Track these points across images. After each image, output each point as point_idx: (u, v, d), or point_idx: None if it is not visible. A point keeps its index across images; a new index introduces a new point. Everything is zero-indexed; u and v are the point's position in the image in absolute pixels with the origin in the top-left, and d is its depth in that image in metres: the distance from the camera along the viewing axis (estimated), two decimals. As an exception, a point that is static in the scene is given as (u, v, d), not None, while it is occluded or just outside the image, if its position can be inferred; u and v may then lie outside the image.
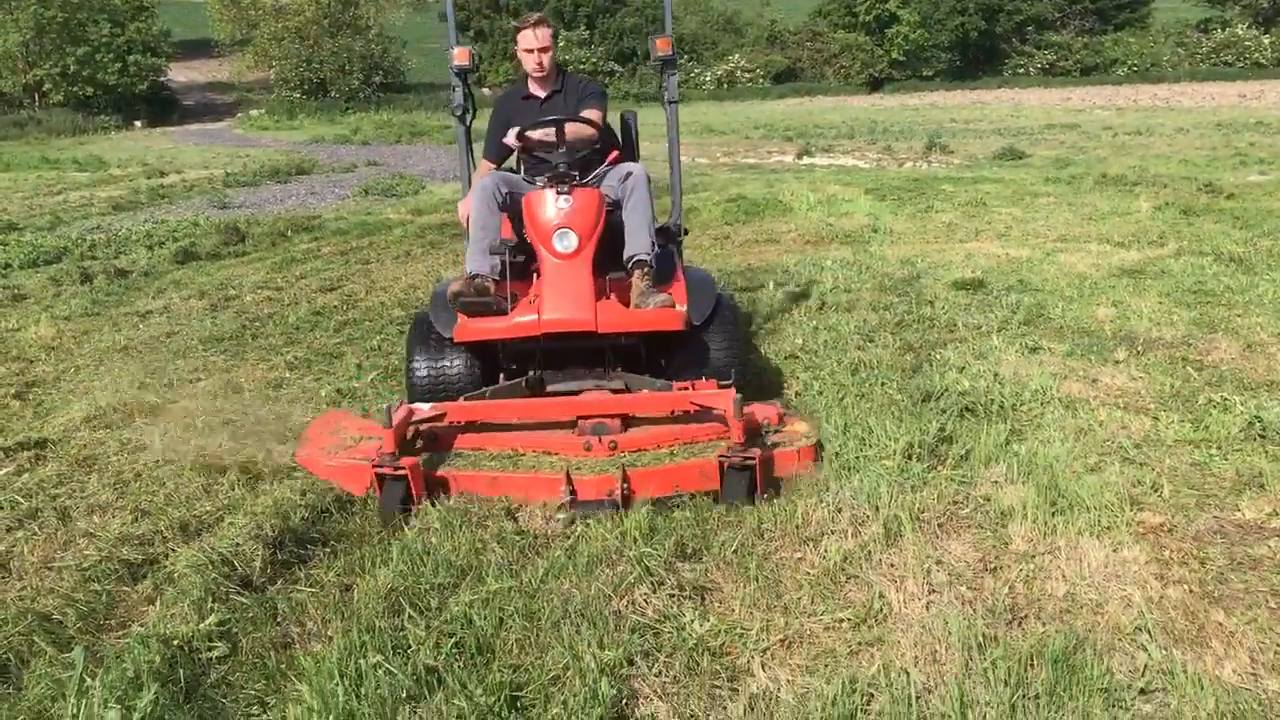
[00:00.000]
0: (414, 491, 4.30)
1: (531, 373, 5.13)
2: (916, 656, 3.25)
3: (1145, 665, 3.19)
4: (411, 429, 4.72)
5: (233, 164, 24.13)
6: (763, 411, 4.80)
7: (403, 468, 4.27)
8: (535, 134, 5.35)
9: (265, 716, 3.08)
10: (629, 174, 5.19)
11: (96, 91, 45.62)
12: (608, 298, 4.96)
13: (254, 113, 48.91)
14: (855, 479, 4.48)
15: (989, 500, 4.29)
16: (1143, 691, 3.07)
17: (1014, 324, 7.06)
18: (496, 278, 4.99)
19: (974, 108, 41.41)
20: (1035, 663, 3.17)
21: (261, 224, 13.36)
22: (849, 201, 13.42)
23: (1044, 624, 3.42)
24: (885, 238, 10.98)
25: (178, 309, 8.69)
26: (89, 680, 3.08)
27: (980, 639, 3.29)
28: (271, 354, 7.21)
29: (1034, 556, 3.85)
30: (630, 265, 5.09)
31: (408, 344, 5.46)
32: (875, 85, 62.14)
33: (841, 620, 3.52)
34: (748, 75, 61.32)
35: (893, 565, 3.82)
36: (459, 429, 4.81)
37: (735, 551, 3.94)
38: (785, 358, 6.54)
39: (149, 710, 2.90)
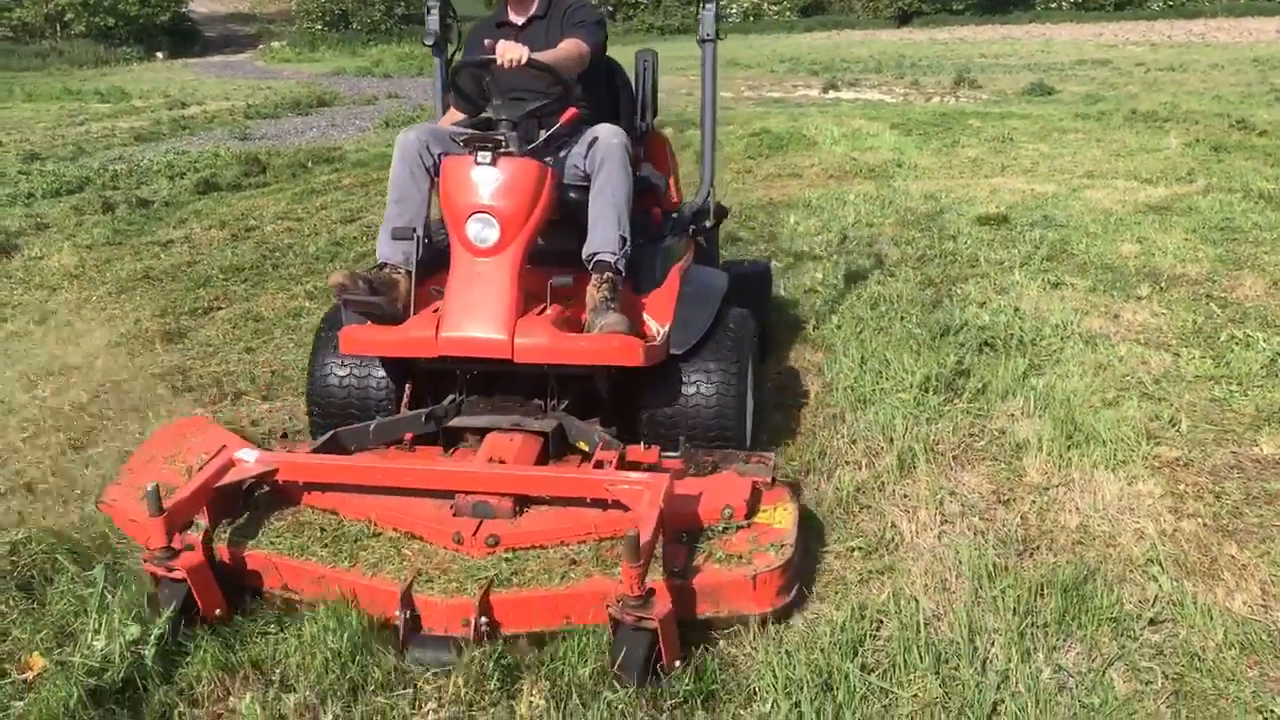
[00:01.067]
0: (199, 603, 3.02)
1: (450, 399, 3.79)
2: (926, 584, 3.26)
3: (1155, 596, 3.20)
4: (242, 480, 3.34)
5: (254, 96, 24.03)
6: (725, 491, 3.21)
7: (177, 569, 2.98)
8: (471, 75, 4.12)
9: (282, 634, 3.13)
10: (595, 140, 3.83)
11: (118, 22, 45.50)
12: (542, 313, 3.57)
13: (275, 45, 48.66)
14: (871, 411, 4.49)
15: (1004, 433, 4.28)
16: (1152, 621, 3.08)
17: (1036, 259, 6.99)
18: (408, 269, 3.75)
19: (1004, 43, 40.72)
20: (1045, 592, 3.18)
21: (282, 156, 13.33)
22: (874, 136, 13.27)
23: (1055, 555, 3.42)
24: (909, 173, 10.86)
25: (198, 238, 8.71)
26: (109, 597, 3.13)
27: (990, 568, 3.30)
28: (291, 284, 7.23)
29: (1047, 489, 3.85)
30: (590, 267, 3.78)
31: (314, 348, 4.08)
32: (904, 19, 61.14)
33: (853, 549, 3.54)
34: (774, 9, 60.47)
35: (905, 496, 3.83)
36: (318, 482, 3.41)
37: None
38: (805, 292, 6.51)
39: (166, 627, 2.95)
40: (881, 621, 3.12)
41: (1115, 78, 23.19)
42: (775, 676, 2.84)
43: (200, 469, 3.33)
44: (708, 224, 4.77)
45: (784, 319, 5.94)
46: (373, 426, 3.67)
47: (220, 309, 6.63)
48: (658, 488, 3.02)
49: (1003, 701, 2.76)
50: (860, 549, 3.53)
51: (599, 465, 3.36)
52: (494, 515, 3.23)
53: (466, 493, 3.26)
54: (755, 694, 2.82)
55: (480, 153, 3.52)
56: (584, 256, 3.77)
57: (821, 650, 2.95)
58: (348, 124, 18.23)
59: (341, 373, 3.95)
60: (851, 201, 9.17)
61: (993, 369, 4.89)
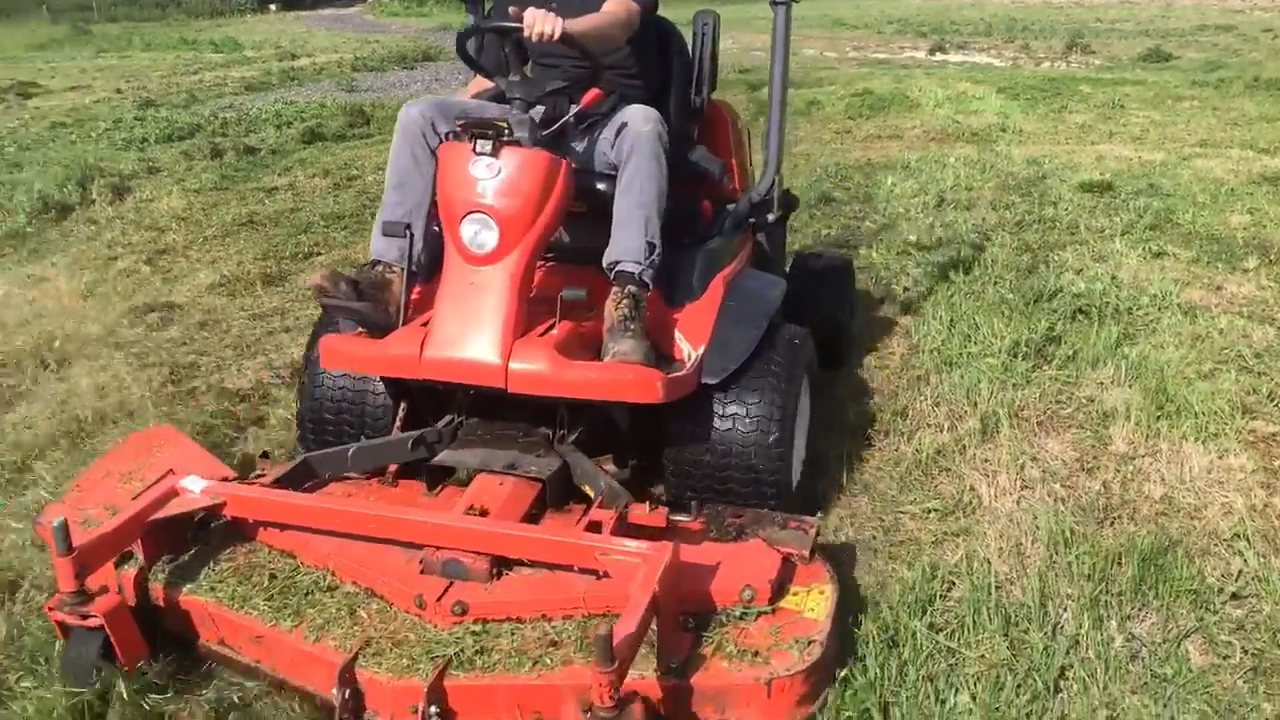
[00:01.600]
0: (117, 653, 2.58)
1: (448, 420, 3.26)
2: (1001, 548, 3.24)
3: (1240, 571, 3.12)
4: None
5: (361, 49, 24.36)
6: (748, 565, 2.67)
7: (94, 615, 2.55)
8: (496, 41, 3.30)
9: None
10: (624, 125, 3.22)
11: (233, -26, 46.36)
12: (547, 332, 3.02)
13: (384, -1, 49.15)
14: (956, 374, 4.44)
15: (1092, 401, 4.20)
16: (1234, 596, 3.02)
17: (1139, 228, 6.79)
18: (403, 267, 3.21)
19: (1121, 7, 39.29)
20: (1122, 561, 3.13)
21: (386, 108, 13.52)
22: (979, 99, 12.96)
23: (1136, 524, 3.36)
24: (1013, 137, 10.60)
25: (301, 186, 8.91)
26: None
27: (1067, 534, 3.25)
28: (388, 232, 7.35)
29: (1133, 459, 3.77)
30: (611, 278, 3.20)
31: (306, 353, 3.64)
32: (1019, -19, 59.26)
33: (929, 511, 3.52)
34: (885, -32, 59.08)
35: (986, 460, 3.79)
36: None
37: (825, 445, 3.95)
38: (897, 253, 6.43)
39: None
40: (953, 583, 3.11)
41: (1239, 44, 22.25)
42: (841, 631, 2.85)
43: (136, 498, 2.90)
44: (770, 218, 4.00)
45: (875, 279, 5.89)
46: (351, 451, 3.18)
47: (320, 254, 6.79)
48: (655, 563, 2.44)
49: (1071, 667, 2.73)
50: (936, 511, 3.51)
51: (593, 527, 2.79)
52: (466, 576, 2.68)
53: (437, 547, 2.73)
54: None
55: (479, 141, 2.94)
56: (604, 265, 3.19)
57: (889, 608, 2.95)
58: (451, 79, 18.40)
59: (335, 384, 3.44)
60: (951, 165, 8.99)
61: (1085, 336, 4.79)
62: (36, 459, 3.92)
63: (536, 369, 2.89)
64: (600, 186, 3.33)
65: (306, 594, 2.74)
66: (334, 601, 2.71)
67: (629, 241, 3.16)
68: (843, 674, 2.69)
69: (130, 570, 2.77)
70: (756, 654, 2.48)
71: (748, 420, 3.13)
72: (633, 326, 3.03)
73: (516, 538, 2.70)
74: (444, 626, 2.60)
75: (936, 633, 2.87)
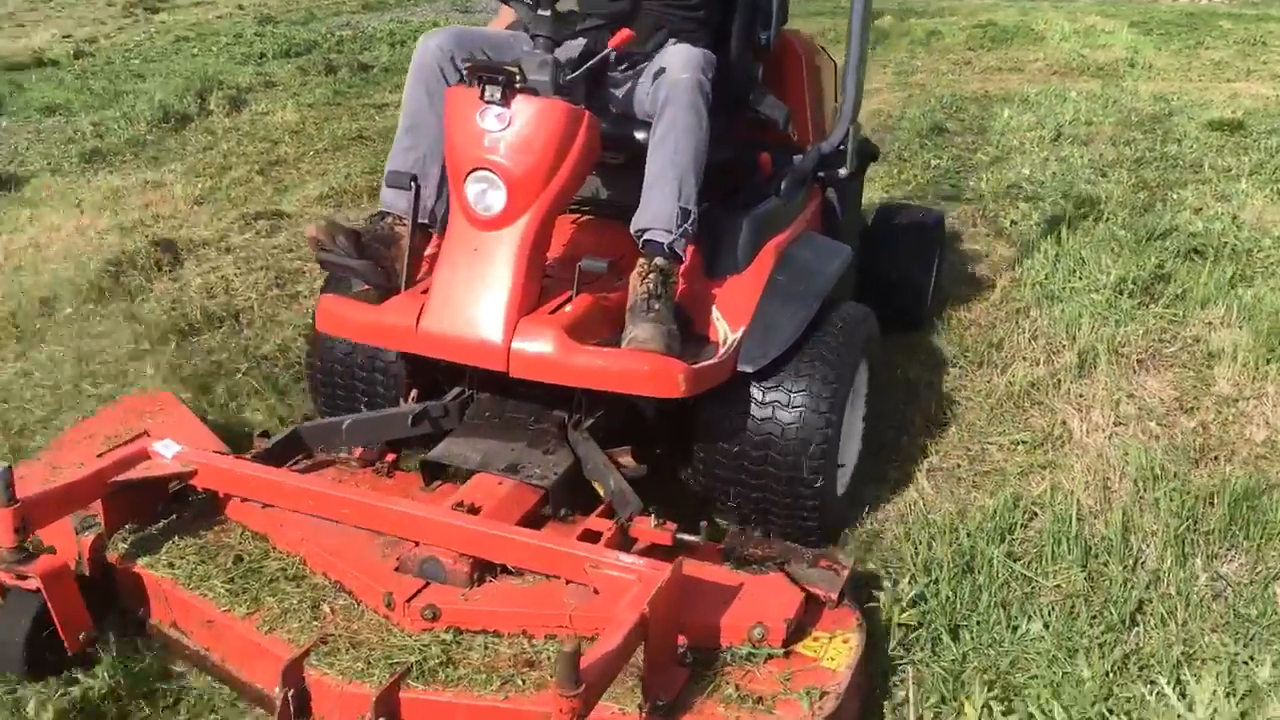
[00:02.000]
0: (56, 624, 2.35)
1: (456, 393, 2.97)
2: (1088, 482, 3.17)
3: (1339, 518, 3.01)
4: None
5: (479, -30, 24.36)
6: (764, 599, 2.37)
7: (30, 577, 2.33)
8: None
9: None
10: (662, 71, 2.82)
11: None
12: (560, 309, 2.66)
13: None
14: (1057, 308, 4.33)
15: (1198, 341, 4.06)
16: (1331, 543, 2.92)
17: (1268, 169, 6.48)
18: (411, 221, 2.84)
19: (1274, -60, 37.18)
20: (1214, 501, 3.04)
21: (499, 28, 13.55)
22: (1108, 33, 12.43)
23: (1232, 466, 3.26)
24: (1142, 73, 10.17)
25: (412, 104, 9.00)
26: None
27: (1158, 471, 3.17)
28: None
29: (1236, 401, 3.65)
30: (639, 247, 2.81)
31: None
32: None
33: (1017, 443, 3.47)
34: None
35: (1081, 396, 3.71)
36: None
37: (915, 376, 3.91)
38: (1008, 187, 6.26)
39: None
40: (1035, 513, 3.07)
41: (1398, -18, 20.90)
42: (915, 554, 2.84)
43: (101, 455, 2.73)
44: (843, 173, 3.52)
45: (983, 211, 5.75)
46: (346, 424, 2.90)
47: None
48: (650, 583, 2.13)
49: (1150, 602, 2.68)
50: (1025, 443, 3.46)
51: (589, 536, 2.50)
52: (444, 579, 2.43)
53: (416, 543, 2.50)
54: (894, 569, 2.83)
55: (487, 87, 2.57)
56: (632, 231, 2.80)
57: (968, 534, 2.93)
58: (566, 1, 18.32)
59: (344, 346, 3.11)
60: (1072, 99, 8.67)
61: (1196, 276, 4.61)
62: (147, 353, 4.08)
63: (542, 352, 2.55)
64: (640, 136, 2.90)
65: (270, 581, 2.50)
66: (298, 592, 2.47)
67: (659, 206, 2.74)
68: (911, 594, 2.69)
69: (88, 537, 2.57)
70: (760, 701, 2.17)
71: (789, 414, 2.74)
72: (657, 306, 2.65)
73: (500, 539, 2.41)
74: (412, 631, 2.34)
75: (1014, 561, 2.84)
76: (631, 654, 2.07)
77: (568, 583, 2.38)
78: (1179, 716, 2.30)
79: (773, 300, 2.86)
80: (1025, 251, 5.04)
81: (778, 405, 2.75)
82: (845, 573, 2.47)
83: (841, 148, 3.45)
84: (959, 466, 3.37)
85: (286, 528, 2.61)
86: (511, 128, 2.56)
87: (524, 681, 2.21)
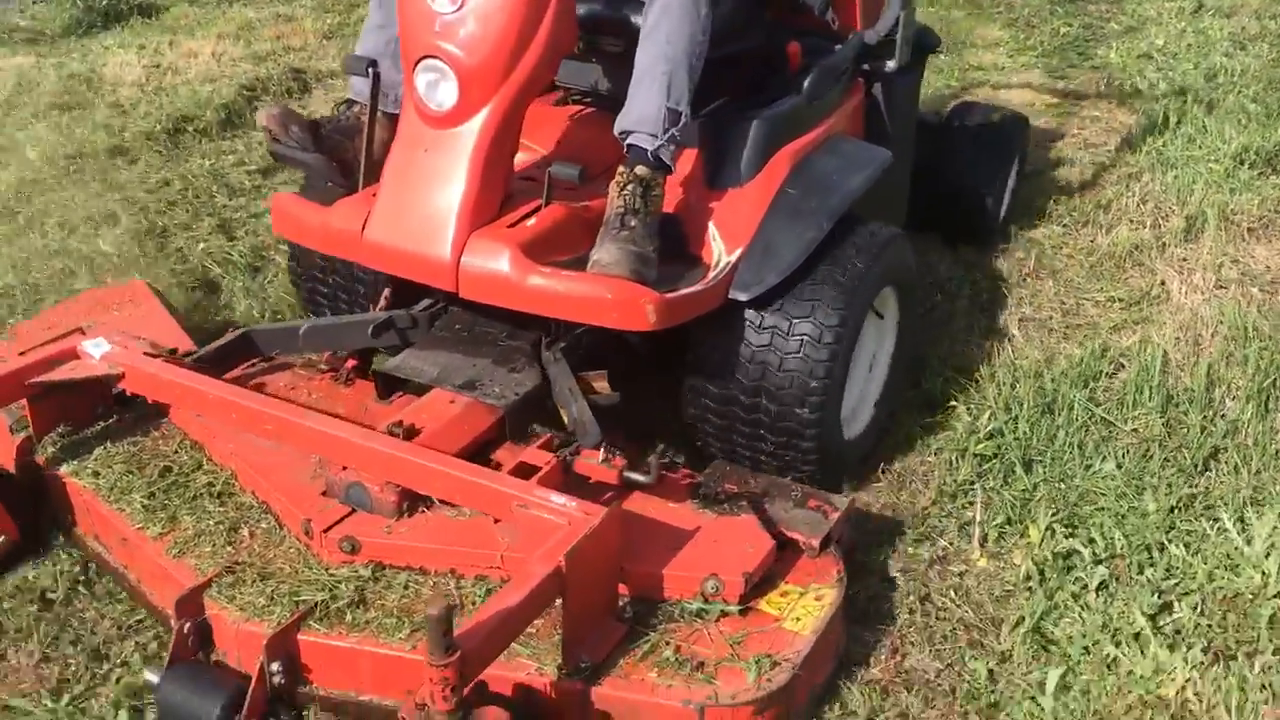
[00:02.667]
0: None
1: (426, 303, 2.65)
2: (1178, 338, 3.21)
3: None
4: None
5: None
6: (724, 546, 2.14)
7: None
8: None
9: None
10: None
11: None
12: (520, 222, 2.34)
13: None
14: (1170, 174, 4.27)
15: (1315, 213, 3.99)
16: None
17: None
18: (381, 110, 2.55)
19: None
20: (1306, 363, 3.06)
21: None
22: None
23: (1334, 336, 3.26)
24: (1300, -53, 9.59)
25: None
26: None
27: (1251, 331, 3.18)
28: None
29: (1346, 273, 3.61)
30: (624, 150, 2.43)
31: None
32: None
33: (1113, 299, 3.50)
34: None
35: (1184, 259, 3.69)
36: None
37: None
38: (1137, 57, 6.06)
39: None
40: (1122, 365, 3.13)
41: None
42: (999, 393, 2.94)
43: (24, 354, 2.52)
44: (892, 66, 3.04)
45: (1108, 79, 5.61)
46: (303, 329, 2.63)
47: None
48: (577, 529, 1.91)
49: (1225, 450, 2.75)
50: (1121, 300, 3.49)
51: (525, 471, 2.18)
52: (370, 508, 2.19)
53: (345, 467, 2.24)
54: (976, 405, 2.93)
55: None
56: (615, 133, 2.44)
57: (1052, 379, 3.01)
58: None
59: None
60: (1221, -30, 8.26)
61: (1324, 150, 4.49)
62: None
63: (493, 271, 2.23)
64: (636, 21, 2.52)
65: (194, 498, 2.32)
66: (220, 512, 2.28)
67: (644, 106, 2.38)
68: (989, 427, 2.80)
69: (16, 438, 2.44)
70: (700, 667, 1.93)
71: (787, 346, 2.43)
72: (632, 224, 2.32)
73: (419, 467, 2.14)
74: (330, 564, 2.13)
75: (1095, 405, 2.92)
76: (538, 613, 1.87)
77: (496, 521, 2.13)
78: (1236, 549, 2.39)
79: (778, 217, 2.51)
80: (1146, 119, 4.93)
81: (776, 335, 2.43)
82: (835, 516, 2.23)
83: (890, 36, 3.00)
84: (1051, 319, 3.42)
85: (221, 438, 2.40)
86: (464, 9, 2.22)
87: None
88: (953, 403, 2.96)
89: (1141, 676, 2.12)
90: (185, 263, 3.64)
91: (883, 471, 2.77)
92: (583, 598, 1.91)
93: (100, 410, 2.52)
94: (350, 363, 2.65)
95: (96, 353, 2.43)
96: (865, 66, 3.04)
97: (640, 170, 2.36)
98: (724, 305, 2.41)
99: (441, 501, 2.20)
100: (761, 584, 2.10)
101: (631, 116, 2.39)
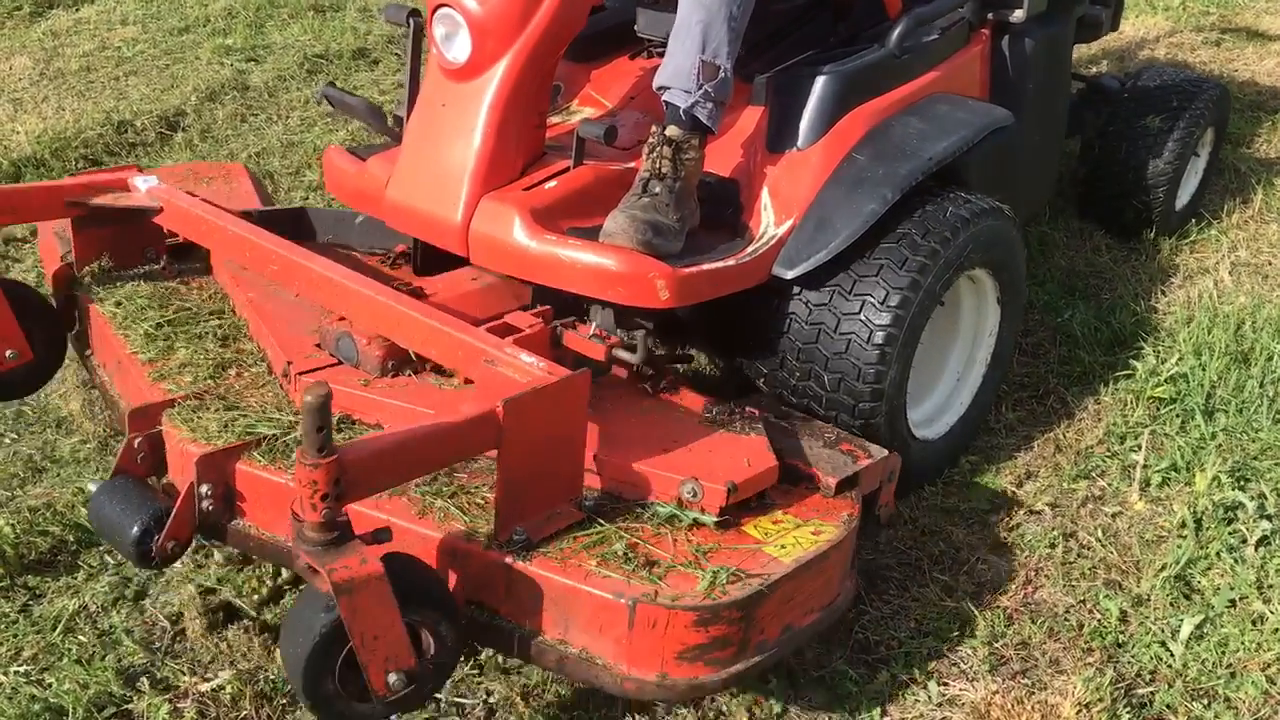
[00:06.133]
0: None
1: None
2: None
3: None
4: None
5: None
6: (713, 456, 1.95)
7: None
8: None
9: None
10: None
11: None
12: (537, 187, 2.19)
13: None
14: None
15: None
16: None
17: None
18: (411, 58, 2.48)
19: None
20: None
21: None
22: None
23: None
24: None
25: None
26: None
27: None
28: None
29: None
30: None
31: None
32: None
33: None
34: None
35: None
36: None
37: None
38: None
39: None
40: (1337, 321, 2.92)
41: None
42: (1190, 336, 2.82)
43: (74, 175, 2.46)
44: (1019, 16, 2.68)
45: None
46: (359, 219, 2.56)
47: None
48: (534, 384, 1.73)
49: None
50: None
51: (505, 331, 1.99)
52: (355, 360, 2.11)
53: (341, 317, 2.15)
54: (1163, 348, 2.82)
55: None
56: (654, 88, 2.23)
57: (1253, 327, 2.85)
58: None
59: None
60: None
61: None
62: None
63: (499, 237, 2.11)
64: None
65: (198, 337, 2.29)
66: (217, 351, 2.25)
67: (680, 59, 2.17)
68: (1172, 371, 2.69)
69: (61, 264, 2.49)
70: (651, 566, 1.74)
71: (837, 333, 2.19)
72: (656, 190, 2.12)
73: (394, 311, 2.02)
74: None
75: (1296, 359, 2.76)
76: (455, 455, 1.75)
77: (468, 381, 1.99)
78: None
79: (838, 187, 2.24)
80: None
81: (825, 321, 2.20)
82: (864, 462, 2.01)
83: None
84: (1269, 264, 3.23)
85: (243, 288, 2.37)
86: None
87: None
88: (1139, 343, 2.85)
89: (1286, 635, 2.04)
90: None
91: (1051, 406, 2.72)
92: (523, 460, 1.72)
93: (150, 254, 2.52)
94: (400, 248, 2.55)
95: (144, 187, 2.44)
96: (989, 16, 2.68)
97: (672, 131, 2.16)
98: (768, 291, 2.21)
99: (434, 370, 2.11)
100: (752, 505, 1.90)
101: (667, 71, 2.19)
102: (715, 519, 1.84)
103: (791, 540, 1.82)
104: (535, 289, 2.21)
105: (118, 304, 2.37)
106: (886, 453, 2.07)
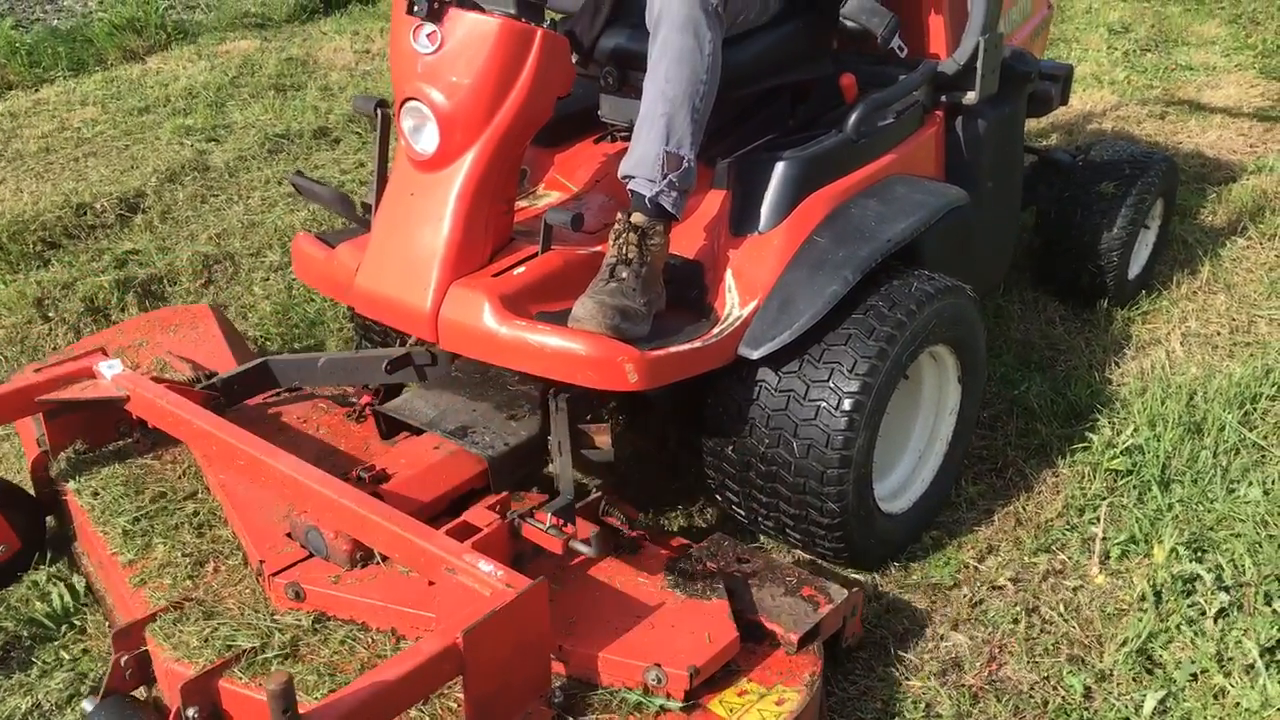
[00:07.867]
0: None
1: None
2: (1352, 362, 3.03)
3: None
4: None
5: None
6: (676, 633, 1.97)
7: None
8: None
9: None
10: None
11: None
12: (505, 272, 2.21)
13: None
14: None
15: None
16: None
17: None
18: (379, 147, 2.49)
19: None
20: None
21: None
22: None
23: None
24: None
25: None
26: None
27: None
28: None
29: None
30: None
31: None
32: None
33: (1287, 317, 3.33)
34: None
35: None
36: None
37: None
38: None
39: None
40: (1283, 385, 2.98)
41: None
42: (1144, 408, 2.86)
43: (39, 370, 2.50)
44: (971, 99, 2.71)
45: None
46: (321, 362, 2.56)
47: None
48: (487, 606, 1.72)
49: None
50: (1298, 320, 3.32)
51: (464, 532, 2.03)
52: (325, 554, 2.12)
53: (303, 511, 2.16)
54: (1119, 419, 2.86)
55: (415, 3, 2.10)
56: (619, 176, 2.27)
57: (1205, 398, 2.90)
58: None
59: None
60: None
61: None
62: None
63: (469, 323, 2.12)
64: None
65: (175, 528, 2.29)
66: (194, 544, 2.25)
67: (643, 149, 2.21)
68: (1128, 443, 2.73)
69: (37, 452, 2.50)
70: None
71: (803, 410, 2.21)
72: (623, 275, 2.16)
73: (356, 515, 2.01)
74: (277, 609, 2.07)
75: (1249, 429, 2.80)
76: (422, 695, 1.74)
77: (431, 583, 1.97)
78: (1373, 588, 2.27)
79: (800, 269, 2.28)
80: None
81: (792, 398, 2.23)
82: (825, 609, 2.03)
83: (970, 65, 2.66)
84: (1218, 334, 3.29)
85: (215, 467, 2.36)
86: (442, 50, 2.12)
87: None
88: (1095, 414, 2.89)
89: (1247, 709, 2.06)
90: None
91: (1010, 479, 2.75)
92: (487, 681, 1.73)
93: (122, 429, 2.53)
94: (365, 399, 2.60)
95: (109, 373, 2.44)
96: (942, 98, 2.74)
97: (637, 218, 2.21)
98: (737, 363, 2.24)
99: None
100: (718, 679, 1.91)
101: (632, 160, 2.23)
102: (680, 705, 1.86)
103: (755, 716, 1.85)
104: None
105: (95, 494, 2.37)
106: (847, 592, 2.10)
